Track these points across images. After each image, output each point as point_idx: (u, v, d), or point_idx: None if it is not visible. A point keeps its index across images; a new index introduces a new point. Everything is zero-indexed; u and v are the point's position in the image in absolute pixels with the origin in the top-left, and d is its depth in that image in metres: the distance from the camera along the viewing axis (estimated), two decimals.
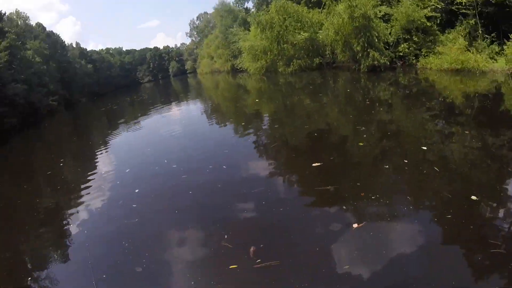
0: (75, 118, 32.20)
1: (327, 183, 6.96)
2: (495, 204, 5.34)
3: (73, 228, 7.90)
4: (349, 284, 4.40)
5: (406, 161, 7.18)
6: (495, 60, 13.99)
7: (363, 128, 9.76)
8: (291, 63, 26.37)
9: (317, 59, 25.20)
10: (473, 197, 5.36)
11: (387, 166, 7.26)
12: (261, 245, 5.59)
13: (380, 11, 19.48)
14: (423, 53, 17.82)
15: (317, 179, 7.32)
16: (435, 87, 13.29)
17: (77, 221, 8.11)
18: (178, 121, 17.64)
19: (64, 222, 8.33)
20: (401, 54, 18.74)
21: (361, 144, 8.68)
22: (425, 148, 7.60)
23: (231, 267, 5.30)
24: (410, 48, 18.40)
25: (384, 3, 19.99)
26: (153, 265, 5.84)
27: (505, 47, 13.38)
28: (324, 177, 7.39)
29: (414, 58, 18.20)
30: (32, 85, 31.74)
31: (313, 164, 8.01)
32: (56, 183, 11.31)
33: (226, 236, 6.10)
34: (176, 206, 7.71)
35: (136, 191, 9.20)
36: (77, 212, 8.81)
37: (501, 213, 5.17)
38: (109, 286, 5.54)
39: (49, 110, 35.76)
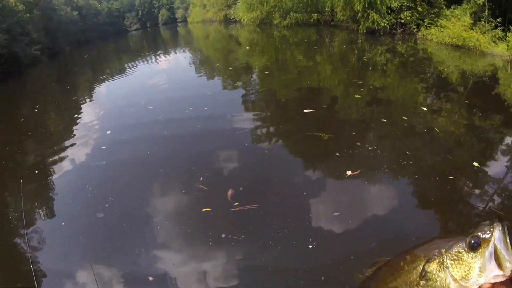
0: (58, 67, 31.83)
1: (320, 130, 6.45)
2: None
3: (37, 170, 7.39)
4: (337, 232, 4.15)
5: (405, 118, 6.71)
6: (497, 44, 13.51)
7: (359, 85, 9.21)
8: (288, 16, 25.37)
9: (315, 15, 24.26)
10: (475, 163, 5.15)
11: (385, 120, 6.79)
12: (241, 188, 5.11)
13: None
14: (425, 24, 17.16)
15: (309, 125, 6.97)
16: (432, 59, 13.03)
17: (41, 162, 7.71)
18: (163, 70, 16.93)
19: (27, 165, 7.83)
20: (403, 21, 17.98)
21: (357, 96, 8.22)
22: (425, 109, 7.11)
23: (203, 210, 4.83)
24: (413, 17, 17.60)
25: None
26: (116, 209, 5.44)
27: (509, 33, 12.89)
28: (316, 124, 7.04)
29: (415, 27, 17.57)
30: (15, 35, 30.94)
31: (304, 110, 7.51)
32: (29, 128, 10.69)
33: (201, 178, 5.64)
34: (148, 147, 7.18)
35: (108, 132, 8.70)
36: (42, 157, 8.17)
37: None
38: (70, 231, 5.18)
39: (32, 60, 34.82)
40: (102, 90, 15.26)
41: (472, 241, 0.81)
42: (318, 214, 4.47)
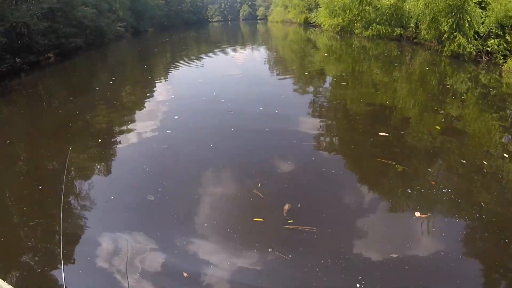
0: (139, 46, 34.09)
1: (394, 159, 6.18)
2: None
3: (100, 139, 7.90)
4: (390, 276, 3.94)
5: (485, 162, 6.22)
6: None
7: (440, 114, 8.65)
8: (370, 27, 24.70)
9: (399, 29, 23.43)
10: None
11: (464, 161, 6.35)
12: (299, 205, 5.07)
13: None
14: None
15: (382, 151, 6.61)
16: None
17: (103, 137, 8.07)
18: (238, 65, 17.25)
19: (93, 136, 8.27)
20: (489, 49, 16.81)
21: (438, 128, 7.77)
22: (506, 156, 6.54)
23: (255, 219, 4.87)
24: (500, 46, 16.40)
25: None
26: (168, 196, 5.60)
27: None
28: (391, 150, 6.66)
29: (502, 58, 16.29)
30: (102, 11, 34.59)
31: (380, 133, 7.25)
32: (101, 98, 11.42)
33: (259, 185, 5.65)
34: (213, 140, 7.33)
35: (176, 117, 8.98)
36: (107, 128, 8.68)
37: None
38: (115, 209, 5.39)
39: (116, 35, 38.77)
40: (177, 74, 15.95)
41: None
42: (375, 252, 4.30)
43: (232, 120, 8.45)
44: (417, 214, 4.83)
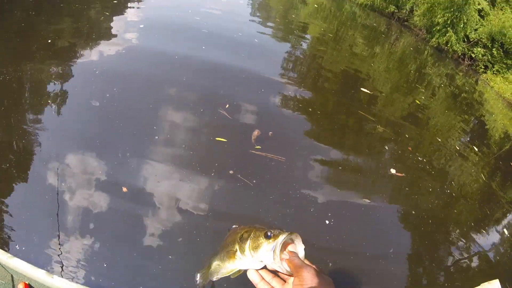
0: None
1: (373, 115, 6.08)
2: None
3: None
4: (359, 216, 4.08)
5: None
6: None
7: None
8: None
9: (392, 7, 22.97)
10: None
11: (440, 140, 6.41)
12: (270, 133, 4.71)
13: (479, 3, 17.42)
14: (494, 69, 16.62)
15: (364, 105, 6.41)
16: (483, 106, 12.43)
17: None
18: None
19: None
20: (473, 55, 17.28)
21: (417, 102, 7.78)
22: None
23: (218, 138, 4.45)
24: (485, 56, 16.97)
25: None
26: (116, 102, 5.05)
27: None
28: (372, 105, 6.53)
29: (483, 67, 16.91)
30: None
31: (362, 89, 7.10)
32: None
33: (227, 106, 5.19)
34: (181, 50, 6.63)
35: (141, 26, 7.99)
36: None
37: None
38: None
39: None
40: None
41: (268, 233, 1.10)
42: (348, 193, 4.23)
43: (203, 41, 7.74)
44: (393, 171, 4.86)
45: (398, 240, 4.05)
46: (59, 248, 3.00)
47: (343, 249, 3.60)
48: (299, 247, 1.09)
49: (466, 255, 4.21)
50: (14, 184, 3.53)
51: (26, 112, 4.39)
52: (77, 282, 1.63)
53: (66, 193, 3.46)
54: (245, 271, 1.14)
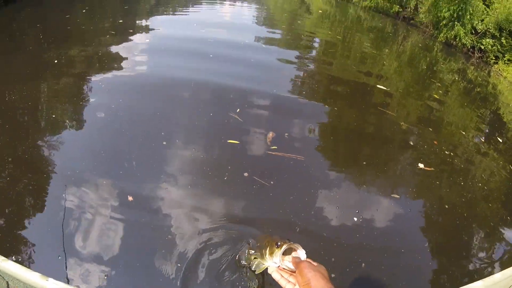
0: None
1: (393, 110, 5.93)
2: None
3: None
4: (387, 212, 3.86)
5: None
6: None
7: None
8: None
9: (397, 6, 22.87)
10: None
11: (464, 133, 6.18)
12: (286, 134, 4.54)
13: None
14: (505, 59, 16.24)
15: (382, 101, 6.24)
16: (498, 98, 12.02)
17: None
18: (224, 20, 15.41)
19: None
20: (482, 47, 16.92)
21: (436, 96, 7.55)
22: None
23: (230, 141, 4.29)
24: (494, 47, 16.61)
25: None
26: (122, 112, 5.00)
27: None
28: (390, 101, 6.36)
29: (494, 58, 16.58)
30: None
31: (378, 85, 6.96)
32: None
33: (238, 110, 5.05)
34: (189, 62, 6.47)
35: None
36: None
37: None
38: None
39: None
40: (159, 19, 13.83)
41: (278, 243, 1.54)
42: (374, 189, 4.06)
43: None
44: (421, 165, 4.66)
45: (433, 235, 3.81)
46: (59, 257, 2.83)
47: (376, 246, 3.37)
48: (300, 251, 1.49)
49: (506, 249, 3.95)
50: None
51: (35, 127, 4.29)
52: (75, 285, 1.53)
53: (71, 201, 3.30)
54: (267, 268, 1.60)
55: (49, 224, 3.08)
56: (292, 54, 9.51)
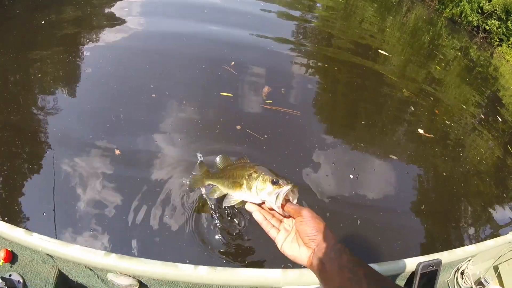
0: None
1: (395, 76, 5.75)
2: None
3: None
4: (384, 171, 3.81)
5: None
6: None
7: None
8: None
9: None
10: None
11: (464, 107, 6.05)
12: (282, 89, 4.32)
13: None
14: (509, 42, 16.05)
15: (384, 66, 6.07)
16: (498, 80, 11.83)
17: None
18: None
19: None
20: (487, 28, 16.71)
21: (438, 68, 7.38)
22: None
23: (222, 93, 4.07)
24: (499, 29, 16.39)
25: None
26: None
27: None
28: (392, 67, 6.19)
29: (498, 40, 16.40)
30: None
31: (380, 51, 6.76)
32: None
33: (233, 63, 4.81)
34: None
35: None
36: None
37: None
38: None
39: None
40: None
41: (274, 180, 1.25)
42: (372, 148, 4.06)
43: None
44: (421, 131, 4.55)
45: (429, 199, 3.72)
46: (43, 213, 2.70)
47: (371, 204, 3.26)
48: (293, 196, 1.26)
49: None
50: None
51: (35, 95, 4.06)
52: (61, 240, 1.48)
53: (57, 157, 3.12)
54: (245, 203, 1.33)
55: (35, 182, 2.93)
56: (294, 13, 9.25)
